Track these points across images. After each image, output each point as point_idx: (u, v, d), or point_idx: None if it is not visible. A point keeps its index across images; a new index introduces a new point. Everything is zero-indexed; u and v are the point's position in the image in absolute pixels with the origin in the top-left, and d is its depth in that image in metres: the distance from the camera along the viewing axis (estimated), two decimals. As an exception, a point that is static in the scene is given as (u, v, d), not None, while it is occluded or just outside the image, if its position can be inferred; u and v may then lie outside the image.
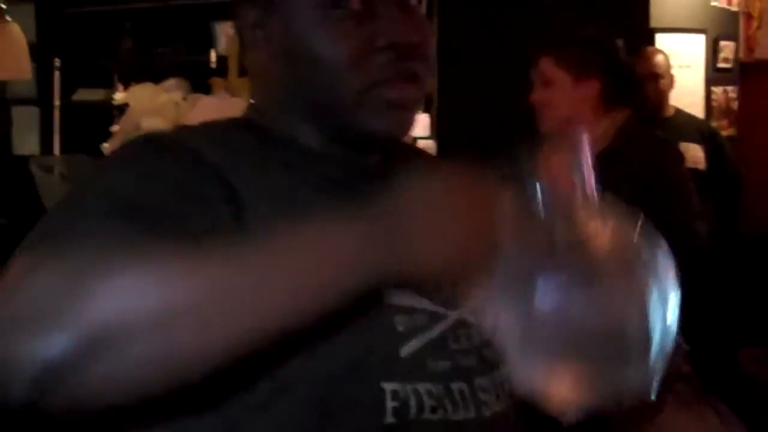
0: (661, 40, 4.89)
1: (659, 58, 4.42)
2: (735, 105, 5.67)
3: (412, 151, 1.31)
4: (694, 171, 4.35)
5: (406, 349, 1.03)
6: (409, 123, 1.14)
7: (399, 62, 1.09)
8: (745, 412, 1.57)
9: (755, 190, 5.08)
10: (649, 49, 4.63)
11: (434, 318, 1.07)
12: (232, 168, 1.03)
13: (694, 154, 4.38)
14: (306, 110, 1.13)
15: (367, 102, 1.09)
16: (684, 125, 4.48)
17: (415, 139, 4.64)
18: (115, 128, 2.31)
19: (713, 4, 5.47)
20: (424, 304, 1.07)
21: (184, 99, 2.27)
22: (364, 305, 0.97)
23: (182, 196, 0.98)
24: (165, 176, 0.99)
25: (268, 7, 1.12)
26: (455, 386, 1.07)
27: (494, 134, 5.17)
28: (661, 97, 4.40)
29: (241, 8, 1.14)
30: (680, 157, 3.06)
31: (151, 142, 1.08)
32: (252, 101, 1.20)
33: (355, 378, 1.00)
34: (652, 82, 4.34)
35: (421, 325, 1.05)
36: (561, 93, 2.88)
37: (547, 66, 2.92)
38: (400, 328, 1.03)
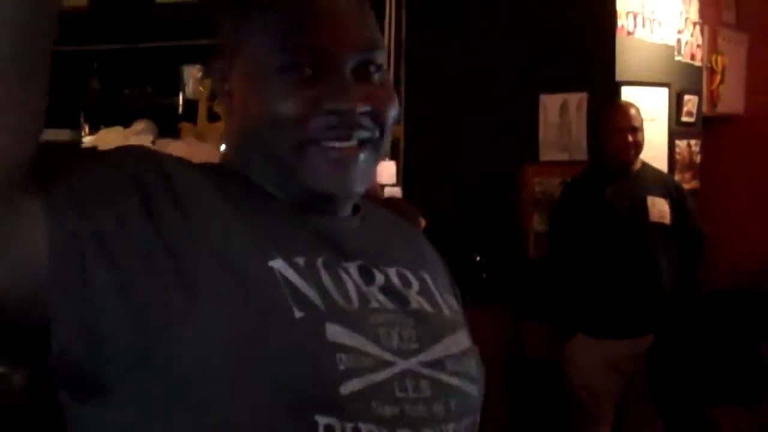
0: (626, 93, 4.95)
1: (634, 111, 4.46)
2: (698, 158, 5.73)
3: (377, 208, 1.34)
4: (660, 225, 4.39)
5: (347, 387, 1.04)
6: (349, 182, 1.17)
7: (341, 127, 1.14)
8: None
9: (716, 243, 5.13)
10: (623, 102, 4.67)
11: (380, 364, 1.08)
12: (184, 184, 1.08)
13: (661, 208, 4.42)
14: (261, 163, 1.17)
15: (304, 158, 1.13)
16: (650, 179, 4.52)
17: (383, 186, 4.65)
18: (82, 172, 2.29)
19: (677, 58, 5.55)
20: (370, 348, 1.08)
21: (153, 143, 2.26)
22: (305, 339, 1.01)
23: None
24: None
25: (231, 61, 1.19)
26: None
27: (459, 181, 5.21)
28: (638, 149, 4.43)
29: (213, 59, 1.22)
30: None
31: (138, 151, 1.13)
32: (225, 148, 1.28)
33: (288, 408, 1.02)
34: (626, 135, 4.37)
35: (365, 367, 1.06)
36: None
37: None
38: (341, 367, 1.04)
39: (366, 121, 1.14)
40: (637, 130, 4.40)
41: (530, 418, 4.69)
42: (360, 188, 1.18)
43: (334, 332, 1.05)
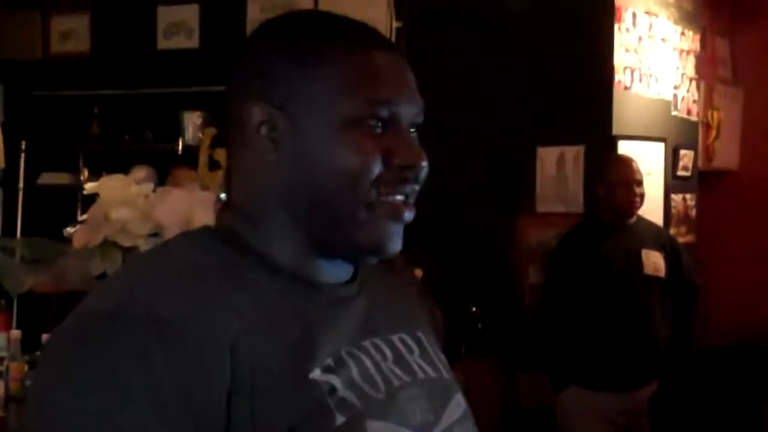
0: (623, 147, 4.98)
1: (636, 165, 4.49)
2: (693, 212, 5.76)
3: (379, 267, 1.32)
4: (656, 279, 4.40)
5: None
6: (401, 242, 1.16)
7: (408, 182, 1.13)
8: None
9: (712, 297, 5.14)
10: (623, 156, 4.70)
11: None
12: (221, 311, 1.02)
13: (656, 261, 4.43)
14: (299, 222, 1.12)
15: (372, 216, 1.11)
16: (645, 232, 4.54)
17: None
18: (83, 217, 2.30)
19: (674, 113, 5.60)
20: None
21: (154, 191, 2.27)
22: None
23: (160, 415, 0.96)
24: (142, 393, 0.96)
25: (281, 108, 1.12)
26: None
27: (456, 232, 5.23)
28: (642, 202, 4.46)
29: (248, 104, 1.12)
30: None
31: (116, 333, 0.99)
32: (231, 202, 1.18)
33: None
34: (633, 188, 4.40)
35: None
36: None
37: None
38: None
39: (421, 178, 1.14)
40: (641, 183, 4.44)
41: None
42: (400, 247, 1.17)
43: (375, 429, 1.06)
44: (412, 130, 1.15)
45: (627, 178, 4.41)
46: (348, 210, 1.10)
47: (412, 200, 1.15)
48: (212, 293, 1.03)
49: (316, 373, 1.05)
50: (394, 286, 1.31)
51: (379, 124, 1.11)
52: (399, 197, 1.13)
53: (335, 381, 1.06)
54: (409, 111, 1.14)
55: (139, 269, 1.14)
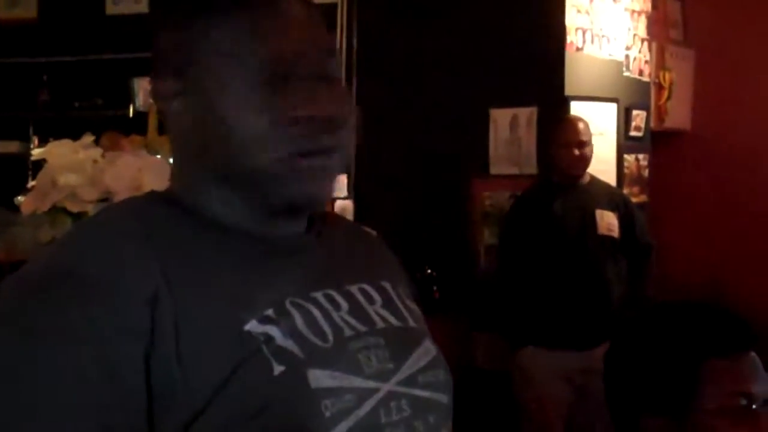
0: (576, 108, 5.00)
1: (582, 125, 4.51)
2: (646, 172, 5.80)
3: (329, 218, 1.32)
4: (609, 238, 4.44)
5: None
6: (327, 191, 1.16)
7: (316, 135, 1.11)
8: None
9: (665, 256, 5.19)
10: (571, 116, 4.72)
11: (364, 395, 1.08)
12: (160, 264, 1.05)
13: (609, 221, 4.46)
14: (227, 181, 1.13)
15: (286, 171, 1.11)
16: (599, 192, 4.57)
17: (334, 199, 4.66)
18: (31, 184, 2.27)
19: (626, 74, 5.62)
20: (353, 382, 1.08)
21: (103, 156, 2.24)
22: (289, 393, 1.01)
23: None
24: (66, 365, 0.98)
25: (187, 79, 1.13)
26: None
27: (410, 194, 5.23)
28: (585, 163, 4.48)
29: (158, 79, 1.15)
30: None
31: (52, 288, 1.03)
32: (174, 170, 1.21)
33: None
34: (572, 150, 4.42)
35: (350, 406, 1.06)
36: None
37: None
38: (327, 414, 1.04)
39: (334, 126, 1.13)
40: (584, 144, 4.45)
41: (480, 430, 4.71)
42: (331, 195, 1.19)
43: (316, 377, 1.05)
44: (323, 79, 1.13)
45: (568, 139, 4.43)
46: (262, 169, 1.11)
47: (331, 148, 1.13)
48: (136, 250, 1.05)
49: (252, 324, 1.05)
50: (357, 239, 1.32)
51: (278, 81, 1.10)
52: (312, 155, 1.12)
53: (274, 331, 1.06)
54: (313, 63, 1.13)
55: (73, 233, 1.18)
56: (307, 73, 1.12)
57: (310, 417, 1.03)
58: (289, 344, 1.06)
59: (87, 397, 0.97)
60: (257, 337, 1.04)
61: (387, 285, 1.24)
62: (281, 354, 1.05)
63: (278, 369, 1.04)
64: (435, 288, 5.01)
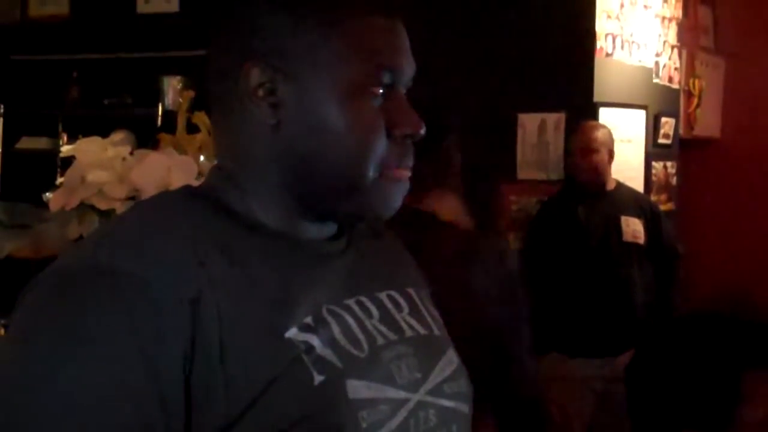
0: (604, 115, 4.98)
1: (598, 132, 4.49)
2: (674, 180, 5.77)
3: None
4: (634, 245, 4.41)
5: None
6: (400, 201, 1.16)
7: (407, 152, 1.13)
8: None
9: (692, 264, 5.16)
10: (587, 123, 4.69)
11: (396, 406, 1.08)
12: (195, 268, 1.02)
13: (635, 227, 4.44)
14: (292, 185, 1.11)
15: (374, 186, 1.11)
16: (625, 199, 4.55)
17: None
18: (60, 180, 2.29)
19: (655, 81, 5.59)
20: (387, 392, 1.08)
21: (131, 154, 2.25)
22: (328, 403, 1.00)
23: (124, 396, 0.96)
24: (104, 366, 0.96)
25: (283, 71, 1.09)
26: None
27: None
28: (596, 171, 4.46)
29: (245, 65, 1.09)
30: None
31: (87, 293, 0.99)
32: (218, 165, 1.17)
33: None
34: (588, 156, 4.41)
35: (384, 417, 1.06)
36: None
37: None
38: (364, 425, 1.04)
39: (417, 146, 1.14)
40: (592, 151, 4.43)
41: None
42: None
43: (354, 388, 1.04)
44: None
45: (582, 145, 4.42)
46: (351, 178, 1.10)
47: (411, 164, 1.15)
48: (176, 249, 1.02)
49: (293, 332, 1.04)
50: (383, 244, 1.31)
51: (381, 91, 1.10)
52: (401, 172, 1.13)
53: (314, 340, 1.04)
54: (407, 77, 1.14)
55: (107, 228, 1.15)
56: (405, 84, 1.14)
57: (347, 428, 1.02)
58: (328, 354, 1.05)
59: (128, 398, 0.95)
60: (298, 345, 1.03)
61: (412, 291, 1.24)
62: (321, 363, 1.03)
63: (318, 379, 1.02)
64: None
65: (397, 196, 1.14)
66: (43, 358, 0.96)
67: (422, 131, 1.13)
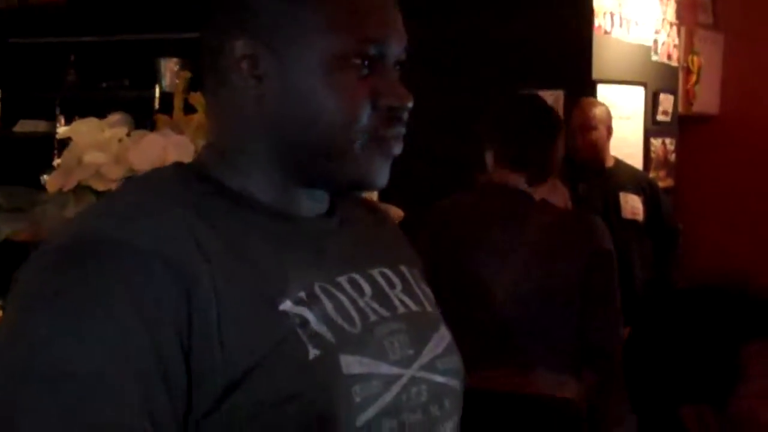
0: (603, 92, 4.97)
1: (596, 110, 4.48)
2: (673, 157, 5.76)
3: (353, 200, 1.32)
4: (633, 221, 4.41)
5: (361, 419, 1.04)
6: (388, 175, 1.16)
7: (394, 123, 1.12)
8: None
9: (690, 240, 5.16)
10: (586, 100, 4.68)
11: (389, 381, 1.08)
12: (193, 245, 1.02)
13: (633, 204, 4.44)
14: (282, 157, 1.12)
15: (360, 155, 1.11)
16: (624, 176, 4.55)
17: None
18: (57, 162, 2.29)
19: (654, 58, 5.58)
20: (380, 368, 1.08)
21: (128, 135, 2.25)
22: (323, 378, 1.01)
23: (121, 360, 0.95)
24: (102, 332, 0.96)
25: (267, 44, 1.09)
26: None
27: (437, 179, 5.22)
28: (594, 148, 4.45)
29: (229, 38, 1.09)
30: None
31: (87, 262, 0.99)
32: (210, 141, 1.18)
33: None
34: (587, 133, 4.40)
35: (377, 392, 1.06)
36: None
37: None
38: (358, 399, 1.04)
39: (406, 117, 1.14)
40: (593, 128, 4.42)
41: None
42: None
43: (348, 363, 1.05)
44: (396, 67, 1.15)
45: (580, 123, 4.42)
46: (338, 147, 1.10)
47: (400, 136, 1.15)
48: (169, 223, 1.03)
49: (287, 305, 1.04)
50: (376, 222, 1.31)
51: (366, 63, 1.10)
52: (387, 142, 1.13)
53: (308, 314, 1.05)
54: (396, 49, 1.14)
55: (99, 205, 1.16)
56: (394, 58, 1.13)
57: (341, 402, 1.03)
58: (322, 329, 1.05)
59: (132, 367, 0.95)
60: (293, 318, 1.04)
61: (404, 269, 1.24)
62: (316, 338, 1.04)
63: (313, 353, 1.03)
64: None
65: (384, 166, 1.14)
66: (41, 328, 0.95)
67: (409, 104, 1.13)
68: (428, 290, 1.27)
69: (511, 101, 3.17)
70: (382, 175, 1.14)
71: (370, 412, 1.05)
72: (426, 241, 2.79)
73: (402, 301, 1.18)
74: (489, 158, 2.93)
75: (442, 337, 1.21)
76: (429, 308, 1.23)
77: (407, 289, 1.21)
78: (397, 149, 1.15)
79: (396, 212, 2.64)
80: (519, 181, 2.86)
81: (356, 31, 1.09)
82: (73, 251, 1.00)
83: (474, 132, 3.22)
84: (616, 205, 4.40)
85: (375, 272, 1.18)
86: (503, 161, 2.91)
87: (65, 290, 0.97)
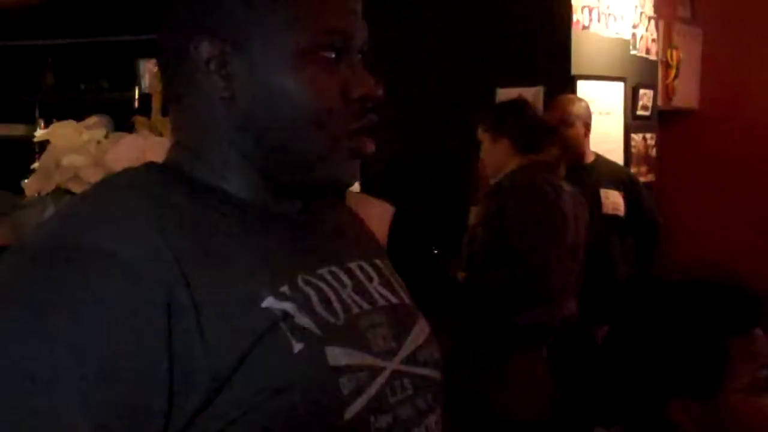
0: (582, 88, 4.97)
1: (573, 106, 4.48)
2: (653, 152, 5.78)
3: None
4: (614, 217, 4.42)
5: (350, 411, 1.04)
6: (358, 174, 1.16)
7: (366, 113, 1.11)
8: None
9: (672, 235, 5.18)
10: (563, 97, 4.68)
11: (374, 372, 1.08)
12: (164, 243, 1.00)
13: (614, 200, 4.45)
14: (255, 155, 1.11)
15: (334, 152, 1.10)
16: (604, 171, 4.55)
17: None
18: (35, 165, 2.27)
19: (633, 53, 5.59)
20: (365, 359, 1.07)
21: (106, 137, 2.24)
22: (309, 370, 1.00)
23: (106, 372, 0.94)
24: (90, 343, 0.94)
25: (233, 43, 1.08)
26: None
27: (416, 174, 5.22)
28: (572, 143, 4.45)
29: (195, 39, 1.08)
30: (536, 196, 3.70)
31: (60, 266, 0.97)
32: (179, 141, 1.15)
33: None
34: (564, 129, 4.40)
35: (363, 383, 1.06)
36: (485, 150, 3.91)
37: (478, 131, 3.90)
38: (345, 391, 1.03)
39: (376, 107, 1.13)
40: (569, 125, 4.41)
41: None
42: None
43: (334, 355, 1.04)
44: (359, 56, 1.14)
45: (556, 119, 4.41)
46: (310, 147, 1.09)
47: (371, 128, 1.14)
48: (144, 223, 1.01)
49: (269, 301, 1.03)
50: (346, 217, 1.31)
51: (333, 55, 1.09)
52: (360, 135, 1.12)
53: (290, 308, 1.04)
54: (359, 40, 1.13)
55: (70, 206, 1.14)
56: (357, 48, 1.12)
57: (330, 395, 1.02)
58: (305, 321, 1.04)
59: (110, 372, 0.93)
60: (276, 313, 1.03)
61: (379, 262, 1.24)
62: (299, 331, 1.03)
63: (297, 347, 1.02)
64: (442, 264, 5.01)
65: (355, 165, 1.14)
66: (9, 333, 0.94)
67: (379, 93, 1.12)
68: (402, 282, 1.27)
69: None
70: (352, 175, 1.14)
71: (358, 404, 1.04)
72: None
73: (381, 294, 1.18)
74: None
75: (421, 329, 1.21)
76: (407, 300, 1.23)
77: (384, 282, 1.21)
78: (369, 148, 1.14)
79: (387, 208, 2.64)
80: None
81: (321, 23, 1.08)
82: (44, 256, 0.99)
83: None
84: (597, 201, 4.41)
85: (353, 265, 1.18)
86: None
87: (29, 292, 0.96)
